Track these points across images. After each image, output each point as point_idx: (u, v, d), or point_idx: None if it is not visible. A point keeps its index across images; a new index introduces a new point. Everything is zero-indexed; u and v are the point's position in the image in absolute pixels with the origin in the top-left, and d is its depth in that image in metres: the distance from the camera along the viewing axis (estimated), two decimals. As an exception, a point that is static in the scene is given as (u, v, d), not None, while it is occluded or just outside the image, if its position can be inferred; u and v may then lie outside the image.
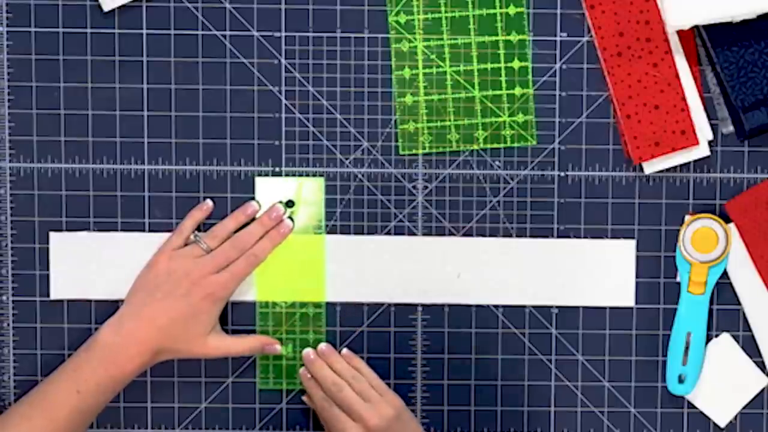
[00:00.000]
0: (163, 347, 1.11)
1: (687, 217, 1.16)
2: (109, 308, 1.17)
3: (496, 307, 1.19)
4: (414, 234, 1.18)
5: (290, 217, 1.17)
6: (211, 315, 1.13)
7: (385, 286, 1.18)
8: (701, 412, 1.19)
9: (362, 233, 1.18)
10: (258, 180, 1.17)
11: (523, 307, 1.19)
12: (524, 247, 1.18)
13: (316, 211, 1.17)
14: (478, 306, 1.19)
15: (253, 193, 1.17)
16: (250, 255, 1.14)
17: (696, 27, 1.14)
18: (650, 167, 1.17)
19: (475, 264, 1.18)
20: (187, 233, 1.15)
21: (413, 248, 1.18)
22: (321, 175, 1.17)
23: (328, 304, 1.18)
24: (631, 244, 1.18)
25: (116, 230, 1.18)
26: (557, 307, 1.19)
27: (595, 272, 1.18)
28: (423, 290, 1.18)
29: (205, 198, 1.17)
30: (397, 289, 1.18)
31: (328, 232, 1.18)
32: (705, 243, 1.15)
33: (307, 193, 1.17)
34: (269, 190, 1.17)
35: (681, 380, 1.16)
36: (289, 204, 1.17)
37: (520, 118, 1.17)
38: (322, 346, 1.17)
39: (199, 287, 1.12)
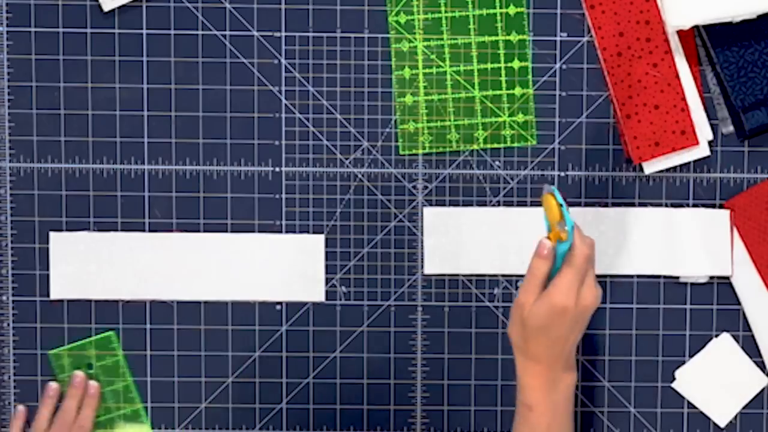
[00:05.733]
0: None
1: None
2: (108, 308, 1.18)
3: (496, 307, 1.19)
4: (414, 234, 1.18)
5: (96, 378, 1.17)
6: None
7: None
8: (701, 412, 1.19)
9: (362, 233, 1.18)
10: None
11: (523, 307, 1.19)
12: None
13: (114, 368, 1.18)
14: (477, 306, 1.19)
15: (253, 192, 1.17)
16: (77, 429, 1.16)
17: (696, 27, 1.14)
18: (650, 167, 1.17)
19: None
20: None
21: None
22: (321, 175, 1.18)
23: (328, 304, 1.18)
24: (631, 244, 1.18)
25: (116, 230, 1.18)
26: (557, 307, 1.19)
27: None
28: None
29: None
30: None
31: (328, 232, 1.18)
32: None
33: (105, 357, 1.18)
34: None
35: None
36: (89, 366, 1.17)
37: (520, 118, 1.17)
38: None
39: None
